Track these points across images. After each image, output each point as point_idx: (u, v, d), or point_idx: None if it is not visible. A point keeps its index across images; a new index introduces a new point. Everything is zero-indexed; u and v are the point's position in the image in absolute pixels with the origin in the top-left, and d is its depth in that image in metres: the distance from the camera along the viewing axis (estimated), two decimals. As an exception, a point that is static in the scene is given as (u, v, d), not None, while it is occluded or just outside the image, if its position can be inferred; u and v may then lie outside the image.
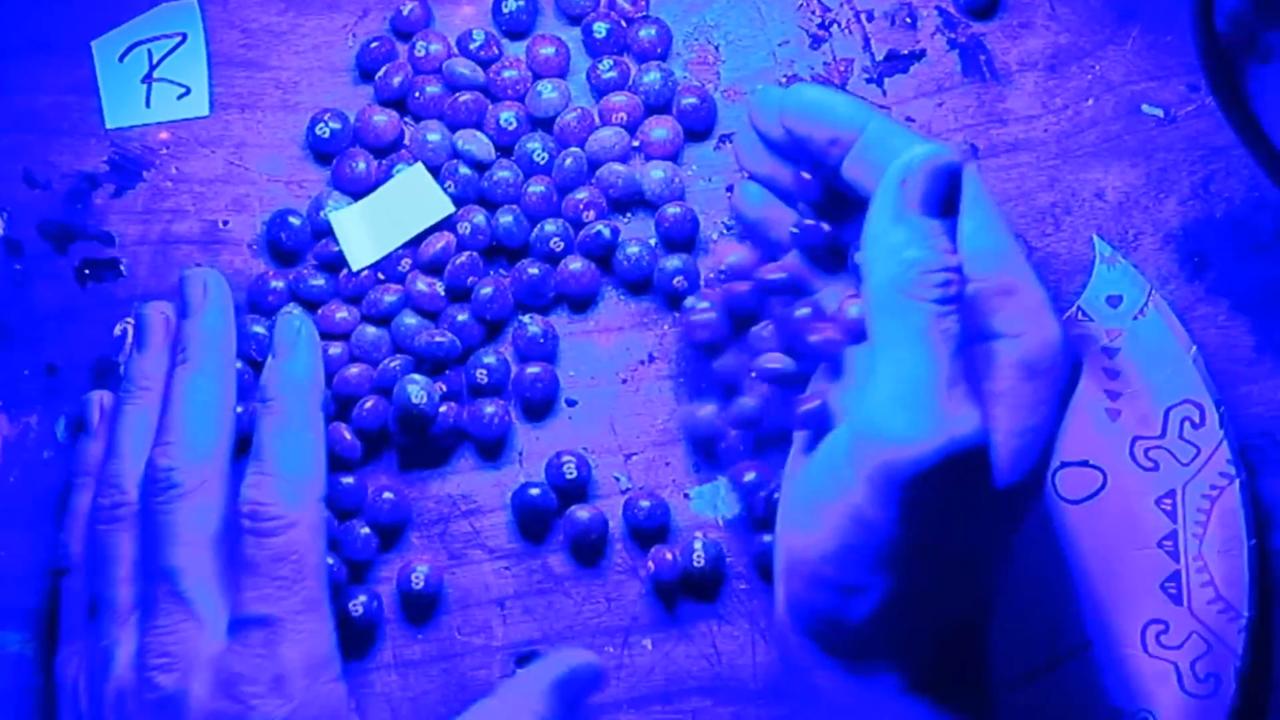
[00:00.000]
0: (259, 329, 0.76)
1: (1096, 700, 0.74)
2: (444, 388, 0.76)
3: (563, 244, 0.76)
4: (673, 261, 0.76)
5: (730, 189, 0.76)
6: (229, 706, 0.69)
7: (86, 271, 0.78)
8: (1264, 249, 0.76)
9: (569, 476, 0.75)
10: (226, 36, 0.78)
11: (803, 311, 0.70)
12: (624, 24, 0.77)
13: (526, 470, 0.76)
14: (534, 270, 0.76)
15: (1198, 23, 0.73)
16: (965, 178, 0.65)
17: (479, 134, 0.77)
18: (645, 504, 0.75)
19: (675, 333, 0.76)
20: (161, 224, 0.78)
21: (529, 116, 0.77)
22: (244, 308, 0.76)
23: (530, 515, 0.76)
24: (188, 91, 0.78)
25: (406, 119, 0.77)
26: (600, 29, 0.77)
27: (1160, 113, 0.77)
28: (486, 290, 0.76)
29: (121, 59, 0.78)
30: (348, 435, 0.75)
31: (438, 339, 0.75)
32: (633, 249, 0.76)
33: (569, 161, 0.76)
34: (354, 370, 0.76)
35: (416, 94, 0.77)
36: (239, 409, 0.74)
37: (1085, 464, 0.75)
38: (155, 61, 0.78)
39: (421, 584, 0.75)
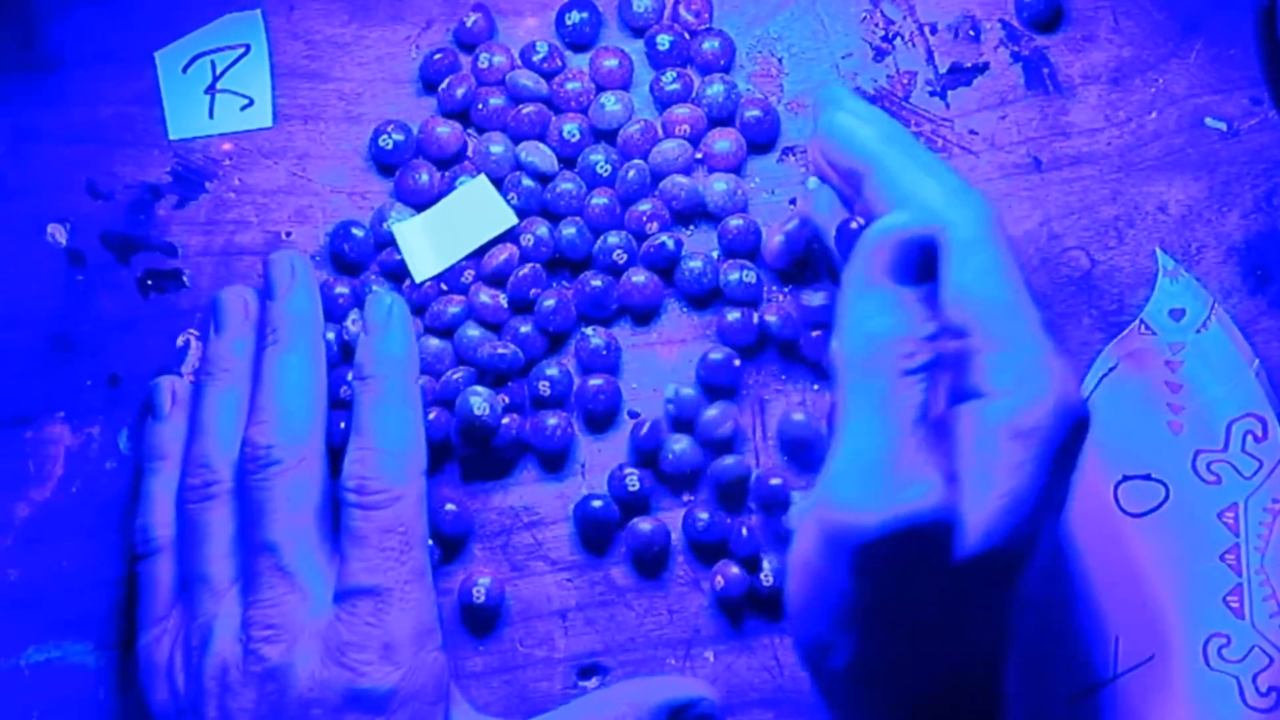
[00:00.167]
0: (328, 335, 0.76)
1: (1158, 714, 0.74)
2: (506, 399, 0.76)
3: (626, 256, 0.76)
4: (735, 274, 0.76)
5: (793, 201, 0.76)
6: (339, 674, 0.70)
7: (149, 282, 0.78)
8: (1326, 262, 0.76)
9: (631, 489, 0.75)
10: (290, 48, 0.78)
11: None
12: (687, 36, 0.77)
13: (589, 482, 0.76)
14: (597, 282, 0.76)
15: (1261, 36, 0.73)
16: (974, 228, 0.65)
17: (542, 146, 0.77)
18: (704, 516, 0.75)
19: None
20: (224, 235, 0.78)
21: (592, 128, 0.77)
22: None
23: (592, 527, 0.76)
24: (251, 103, 0.78)
25: (469, 131, 0.78)
26: (664, 41, 0.77)
27: (1223, 126, 0.77)
28: (549, 302, 0.76)
29: (185, 70, 0.78)
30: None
31: (500, 350, 0.75)
32: (695, 263, 0.76)
33: (632, 174, 0.76)
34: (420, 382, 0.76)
35: (480, 106, 0.77)
36: None
37: (1148, 477, 0.75)
38: (219, 73, 0.78)
39: (483, 596, 0.75)
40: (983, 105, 0.77)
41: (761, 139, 0.77)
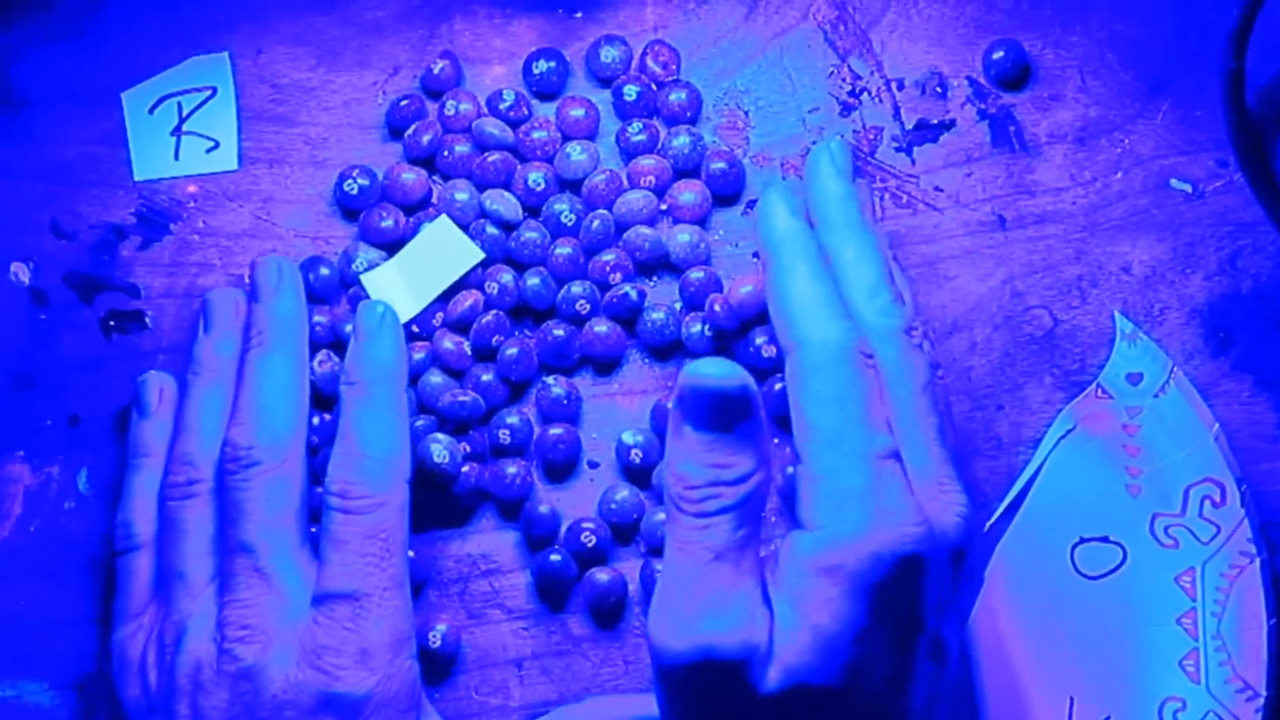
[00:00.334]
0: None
1: (1111, 775, 0.74)
2: (468, 448, 0.76)
3: (589, 306, 0.76)
4: (697, 326, 0.76)
5: (756, 255, 0.76)
6: (314, 678, 0.70)
7: (111, 323, 0.78)
8: (1289, 326, 0.76)
9: (588, 545, 0.75)
10: (257, 91, 0.78)
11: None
12: (654, 87, 0.77)
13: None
14: (559, 331, 0.76)
15: (1228, 98, 0.73)
16: (823, 353, 0.66)
17: (507, 194, 0.77)
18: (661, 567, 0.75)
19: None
20: (188, 277, 0.78)
21: (557, 178, 0.77)
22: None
23: (550, 581, 0.76)
24: (216, 145, 0.78)
25: (435, 178, 0.78)
26: (630, 92, 0.77)
27: (1189, 188, 0.77)
28: (512, 351, 0.76)
29: (151, 111, 0.78)
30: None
31: (461, 399, 0.75)
32: (657, 314, 0.76)
33: (596, 224, 0.76)
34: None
35: (445, 153, 0.77)
36: None
37: (1105, 539, 0.75)
38: (185, 114, 0.78)
39: (439, 643, 0.75)
40: (949, 162, 0.77)
41: (727, 191, 0.77)
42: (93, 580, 0.77)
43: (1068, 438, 0.75)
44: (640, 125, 0.77)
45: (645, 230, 0.76)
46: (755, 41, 0.78)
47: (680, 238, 0.76)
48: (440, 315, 0.76)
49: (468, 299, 0.76)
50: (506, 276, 0.76)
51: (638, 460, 0.75)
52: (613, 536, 0.76)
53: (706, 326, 0.75)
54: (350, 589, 0.71)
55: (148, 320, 0.78)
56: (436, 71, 0.78)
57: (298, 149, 0.78)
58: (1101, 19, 0.77)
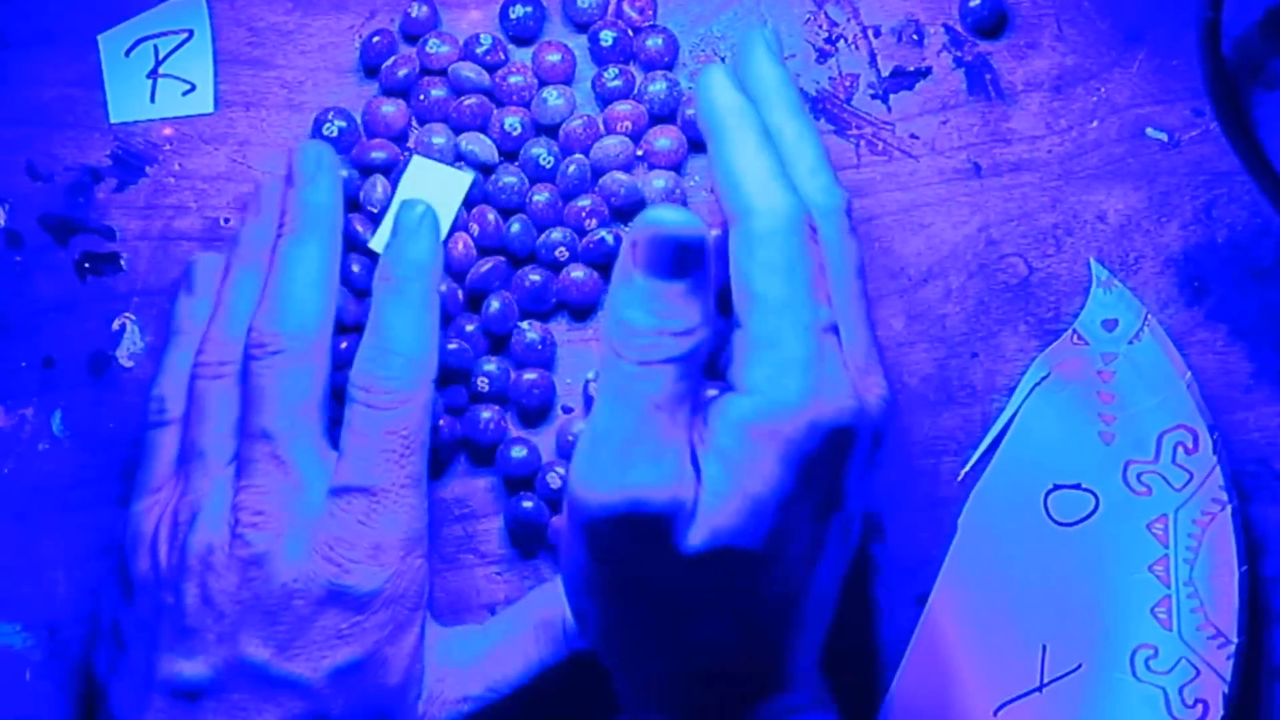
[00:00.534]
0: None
1: (1083, 722, 0.74)
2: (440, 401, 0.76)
3: (568, 253, 0.76)
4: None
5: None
6: (324, 568, 0.70)
7: (86, 265, 0.78)
8: (1264, 275, 0.76)
9: (552, 486, 0.75)
10: (233, 34, 0.78)
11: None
12: (631, 33, 0.77)
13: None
14: (536, 277, 0.76)
15: (1204, 48, 0.73)
16: (774, 220, 0.65)
17: (483, 136, 0.77)
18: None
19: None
20: (163, 220, 0.78)
21: (534, 123, 0.77)
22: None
23: (522, 527, 0.76)
24: (193, 88, 0.78)
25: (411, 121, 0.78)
26: (607, 37, 0.77)
27: (1164, 137, 0.77)
28: (495, 305, 0.76)
29: (127, 54, 0.78)
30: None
31: (449, 346, 0.75)
32: (633, 259, 0.76)
33: (573, 169, 0.76)
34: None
35: (421, 96, 0.77)
36: None
37: (1078, 487, 0.75)
38: (161, 57, 0.78)
39: (413, 587, 0.75)
40: (924, 110, 0.77)
41: (702, 137, 0.77)
42: (66, 523, 0.76)
43: (1041, 385, 0.75)
44: (616, 71, 0.77)
45: (621, 176, 0.76)
46: (732, -13, 0.78)
47: (656, 183, 0.76)
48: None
49: (457, 242, 0.76)
50: (491, 216, 0.76)
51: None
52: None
53: None
54: (367, 483, 0.71)
55: (123, 263, 0.78)
56: (414, 15, 0.78)
57: (274, 92, 0.78)
58: (1079, -33, 0.78)
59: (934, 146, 0.77)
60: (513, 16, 0.78)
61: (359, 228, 0.76)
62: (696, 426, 0.64)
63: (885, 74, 0.78)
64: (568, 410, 0.76)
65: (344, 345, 0.75)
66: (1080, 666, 0.74)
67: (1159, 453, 0.74)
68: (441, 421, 0.76)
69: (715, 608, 0.65)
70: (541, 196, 0.76)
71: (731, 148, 0.68)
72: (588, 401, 0.76)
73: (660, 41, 0.77)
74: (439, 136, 0.77)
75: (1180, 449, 0.74)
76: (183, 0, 0.78)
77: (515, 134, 0.76)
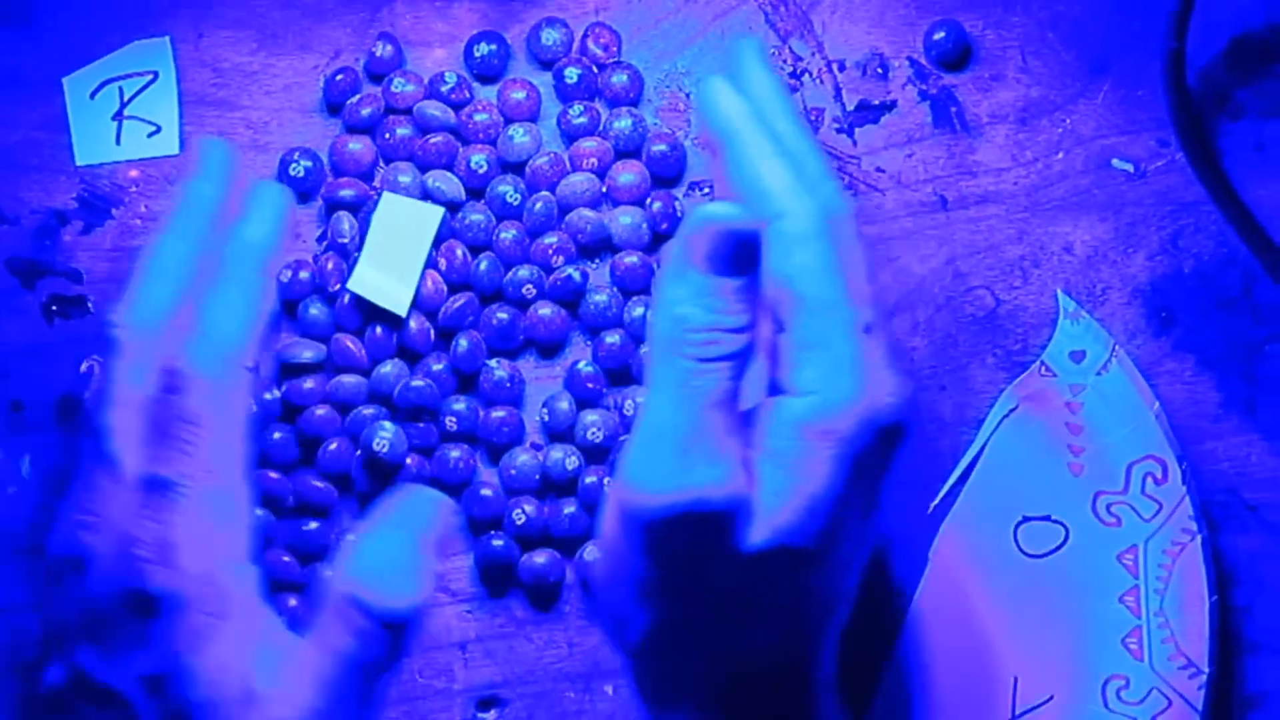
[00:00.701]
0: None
1: (1056, 754, 0.74)
2: (407, 437, 0.76)
3: (535, 290, 0.76)
4: (639, 309, 0.76)
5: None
6: (121, 569, 0.66)
7: (54, 308, 0.78)
8: (1231, 305, 0.76)
9: (517, 523, 0.75)
10: (198, 75, 0.78)
11: None
12: (595, 70, 0.77)
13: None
14: (503, 315, 0.76)
15: (1169, 78, 0.73)
16: (807, 222, 0.65)
17: (449, 174, 0.77)
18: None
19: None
20: (130, 261, 0.76)
21: (500, 160, 0.77)
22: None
23: (492, 565, 0.76)
24: (158, 130, 0.78)
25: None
26: (572, 74, 0.77)
27: (1130, 167, 0.77)
28: (464, 344, 0.76)
29: (93, 96, 0.78)
30: (319, 483, 0.76)
31: (415, 383, 0.75)
32: (600, 297, 0.76)
33: (539, 206, 0.76)
34: (320, 412, 0.76)
35: (387, 135, 0.77)
36: None
37: (1047, 519, 0.75)
38: (126, 99, 0.78)
39: (384, 626, 0.75)
40: (890, 143, 0.77)
41: (668, 173, 0.77)
42: (36, 566, 0.76)
43: (1010, 417, 0.75)
44: (582, 108, 0.77)
45: (588, 213, 0.76)
46: (696, 23, 0.78)
47: (622, 220, 0.76)
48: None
49: (427, 280, 0.76)
50: (459, 251, 0.76)
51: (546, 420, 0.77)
52: (541, 513, 0.76)
53: (650, 311, 0.75)
54: (155, 474, 0.66)
55: (90, 305, 0.78)
56: (379, 54, 0.78)
57: (239, 133, 0.78)
58: (1042, -1, 0.78)
59: (900, 180, 0.77)
60: (477, 55, 0.78)
61: (329, 266, 0.76)
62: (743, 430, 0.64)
63: (850, 108, 0.78)
64: (537, 447, 0.76)
65: (308, 385, 0.75)
66: (1052, 698, 0.74)
67: (1128, 484, 0.74)
68: (410, 460, 0.76)
69: (765, 607, 0.65)
70: (508, 234, 0.76)
71: (750, 154, 0.67)
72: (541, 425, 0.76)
73: (625, 78, 0.77)
74: (405, 175, 0.77)
75: (1149, 479, 0.74)
76: (147, 42, 0.78)
77: (481, 171, 0.76)
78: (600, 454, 0.76)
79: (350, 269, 0.76)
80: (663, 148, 0.77)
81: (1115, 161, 0.77)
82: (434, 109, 0.77)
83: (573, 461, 0.76)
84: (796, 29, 0.78)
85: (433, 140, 0.77)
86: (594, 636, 0.76)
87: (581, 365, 0.76)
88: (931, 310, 0.76)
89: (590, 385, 0.76)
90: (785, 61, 0.78)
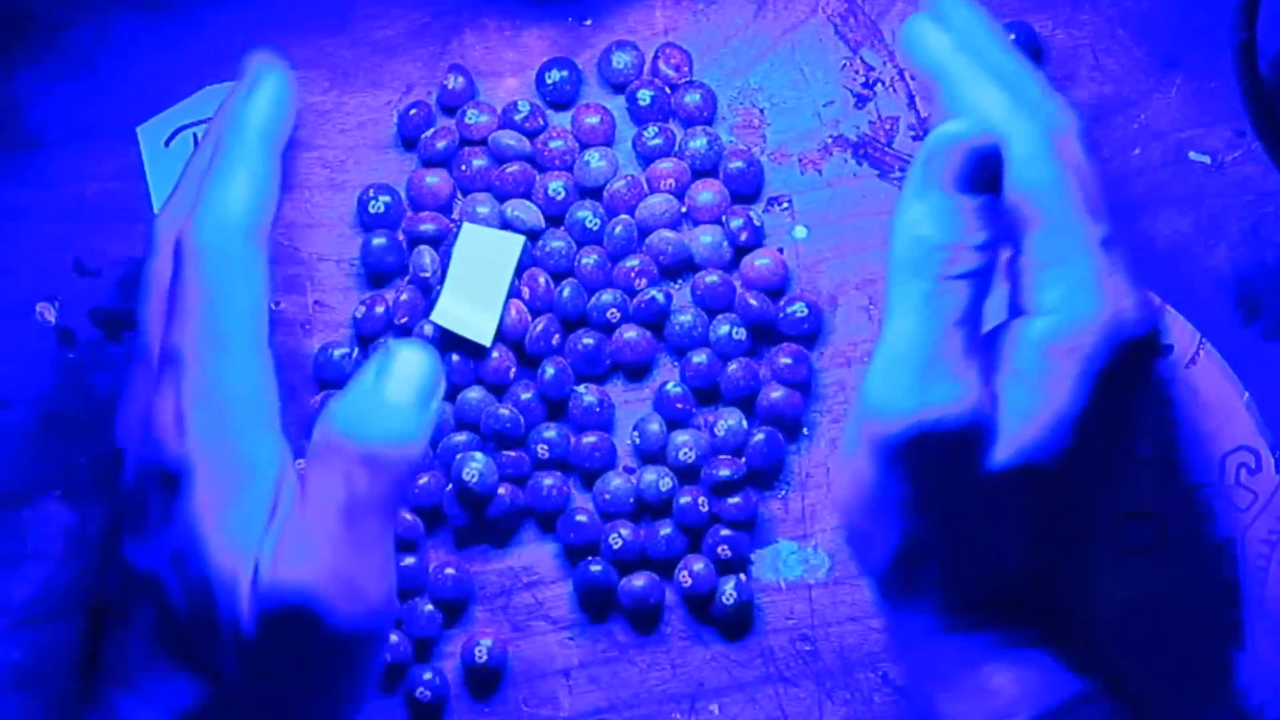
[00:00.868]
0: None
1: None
2: (497, 463, 0.76)
3: (619, 314, 0.76)
4: (724, 328, 0.76)
5: (781, 249, 0.77)
6: (144, 448, 0.66)
7: (140, 357, 0.78)
8: (1315, 291, 0.76)
9: (615, 547, 0.75)
10: (271, 117, 0.78)
11: None
12: (668, 90, 0.77)
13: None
14: (589, 340, 0.76)
15: (1240, 68, 0.73)
16: (1032, 143, 0.65)
17: (528, 203, 0.77)
18: (699, 567, 0.76)
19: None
20: (213, 307, 0.78)
21: (577, 186, 0.77)
22: (313, 384, 0.77)
23: (591, 590, 0.76)
24: (234, 173, 0.78)
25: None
26: (645, 96, 0.77)
27: (1207, 159, 0.77)
28: (550, 371, 0.76)
29: (167, 144, 0.78)
30: (407, 516, 0.76)
31: (501, 412, 0.75)
32: (684, 317, 0.76)
33: (619, 229, 0.76)
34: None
35: (463, 166, 0.77)
36: None
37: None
38: (201, 145, 0.78)
39: (485, 657, 0.75)
40: (966, 148, 0.77)
41: (746, 190, 0.77)
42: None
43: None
44: (656, 129, 0.77)
45: (668, 234, 0.76)
46: (766, 38, 0.78)
47: (703, 239, 0.77)
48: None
49: (511, 309, 0.76)
50: (542, 279, 0.76)
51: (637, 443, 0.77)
52: (638, 536, 0.76)
53: (735, 329, 0.75)
54: (171, 347, 0.66)
55: (176, 352, 0.78)
56: (451, 86, 0.78)
57: (316, 172, 0.78)
58: (1110, -4, 0.78)
59: (978, 184, 0.77)
60: (549, 81, 0.78)
61: (403, 299, 0.76)
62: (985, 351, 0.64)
63: (924, 115, 0.78)
64: (630, 471, 0.76)
65: None
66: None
67: (1223, 475, 0.75)
68: (503, 490, 0.76)
69: (1010, 526, 0.64)
70: (590, 259, 0.76)
71: (965, 85, 0.67)
72: (634, 448, 0.76)
73: (698, 97, 0.77)
74: (483, 206, 0.77)
75: (1243, 470, 0.74)
76: (219, 87, 0.78)
77: (559, 198, 0.77)
78: (692, 474, 0.76)
79: (432, 303, 0.76)
80: (739, 164, 0.77)
81: (1192, 154, 0.77)
82: (509, 138, 0.77)
83: (666, 483, 0.76)
84: (867, 39, 0.78)
85: (509, 169, 0.77)
86: (697, 656, 0.76)
87: (670, 386, 0.76)
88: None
89: (679, 406, 0.76)
90: (858, 72, 0.78)
